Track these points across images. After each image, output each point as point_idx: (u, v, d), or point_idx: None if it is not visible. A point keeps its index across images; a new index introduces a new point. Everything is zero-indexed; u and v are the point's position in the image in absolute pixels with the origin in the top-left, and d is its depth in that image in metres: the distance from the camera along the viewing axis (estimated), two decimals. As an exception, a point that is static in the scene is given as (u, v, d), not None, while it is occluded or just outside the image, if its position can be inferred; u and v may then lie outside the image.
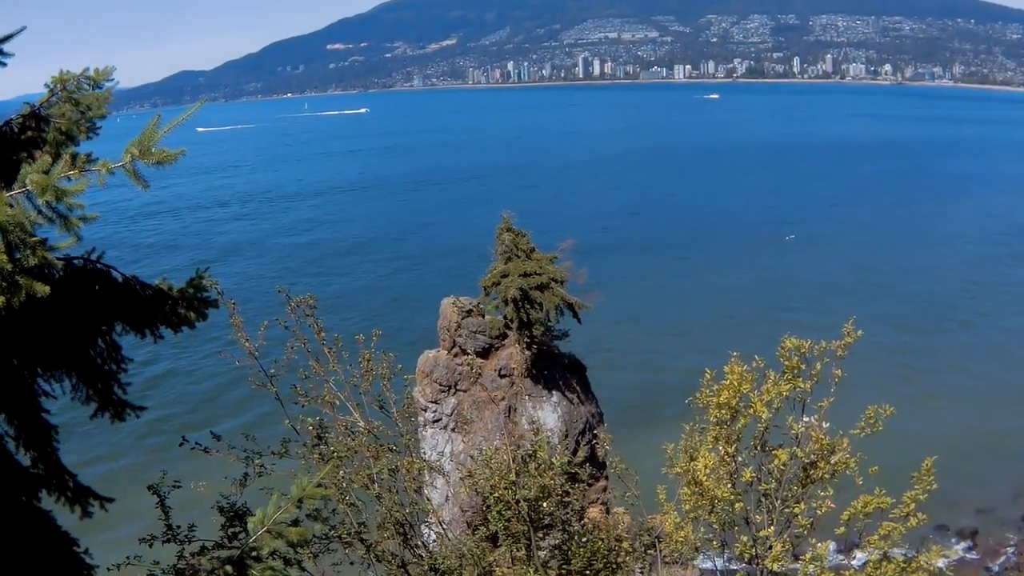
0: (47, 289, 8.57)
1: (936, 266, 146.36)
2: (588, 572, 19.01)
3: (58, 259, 9.17)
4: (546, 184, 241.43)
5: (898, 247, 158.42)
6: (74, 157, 9.06)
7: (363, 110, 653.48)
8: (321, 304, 20.99)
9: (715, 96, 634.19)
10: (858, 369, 78.47)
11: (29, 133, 10.22)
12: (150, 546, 14.64)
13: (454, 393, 56.84)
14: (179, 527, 14.99)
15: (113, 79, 10.58)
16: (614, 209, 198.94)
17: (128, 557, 14.05)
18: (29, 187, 8.41)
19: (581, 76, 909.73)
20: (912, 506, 23.46)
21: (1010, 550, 70.34)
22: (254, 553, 10.16)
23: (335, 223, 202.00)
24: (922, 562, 23.61)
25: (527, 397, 55.43)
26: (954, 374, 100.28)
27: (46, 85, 10.48)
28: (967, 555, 69.74)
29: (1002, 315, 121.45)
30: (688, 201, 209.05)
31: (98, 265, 10.16)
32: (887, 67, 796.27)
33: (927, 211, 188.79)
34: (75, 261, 9.99)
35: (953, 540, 69.34)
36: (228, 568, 10.05)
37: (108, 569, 12.93)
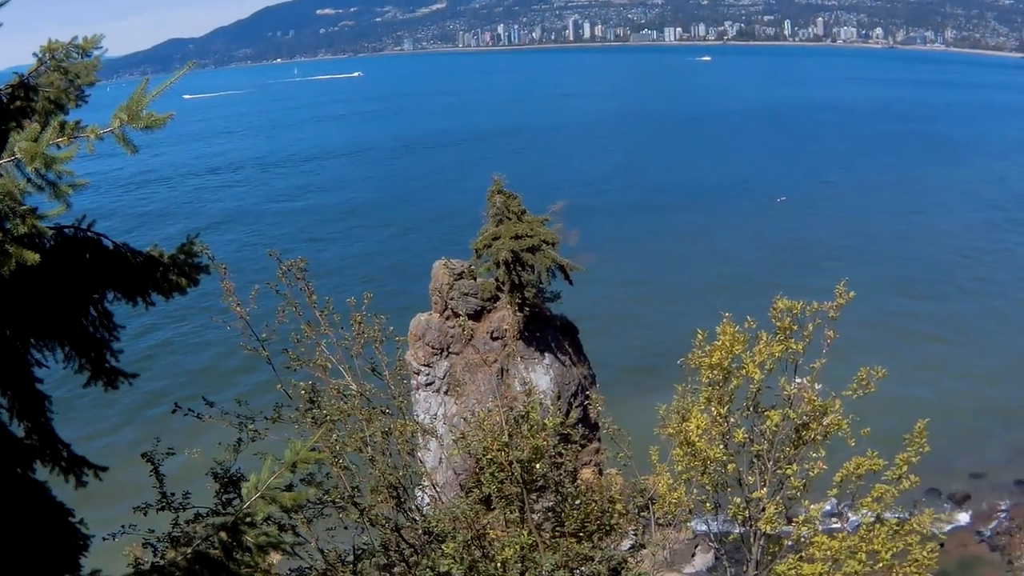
0: (37, 258, 8.53)
1: (933, 231, 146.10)
2: (582, 534, 19.07)
3: (48, 228, 9.12)
4: (538, 147, 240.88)
5: (895, 211, 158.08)
6: (63, 125, 9.00)
7: (357, 74, 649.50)
8: (315, 271, 20.96)
9: (707, 58, 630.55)
10: (854, 335, 78.85)
11: (18, 103, 10.15)
12: (144, 514, 14.68)
13: (446, 356, 56.97)
14: (173, 495, 15.05)
15: (102, 47, 10.51)
16: (606, 172, 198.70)
17: (123, 526, 14.09)
18: (18, 155, 8.35)
19: (571, 39, 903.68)
20: (904, 468, 23.56)
21: (1002, 515, 70.87)
22: (248, 519, 10.16)
23: (329, 189, 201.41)
24: (915, 525, 23.74)
25: (519, 359, 55.59)
26: (951, 340, 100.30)
27: (35, 55, 10.41)
28: (960, 516, 70.35)
29: (1001, 281, 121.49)
30: (681, 164, 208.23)
31: (89, 233, 10.11)
32: (878, 31, 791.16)
33: (923, 175, 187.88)
34: (66, 230, 9.94)
35: (946, 505, 69.82)
36: (222, 535, 10.04)
37: (104, 539, 12.94)
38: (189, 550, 10.01)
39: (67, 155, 8.59)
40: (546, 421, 18.83)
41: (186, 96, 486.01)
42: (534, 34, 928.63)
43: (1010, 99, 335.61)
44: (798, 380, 24.28)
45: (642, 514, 22.18)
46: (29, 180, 8.59)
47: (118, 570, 10.08)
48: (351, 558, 18.16)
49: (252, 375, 76.66)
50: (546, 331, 57.70)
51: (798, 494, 24.45)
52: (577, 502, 19.39)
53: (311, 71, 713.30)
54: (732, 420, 25.20)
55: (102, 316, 10.56)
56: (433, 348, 57.10)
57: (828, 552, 23.47)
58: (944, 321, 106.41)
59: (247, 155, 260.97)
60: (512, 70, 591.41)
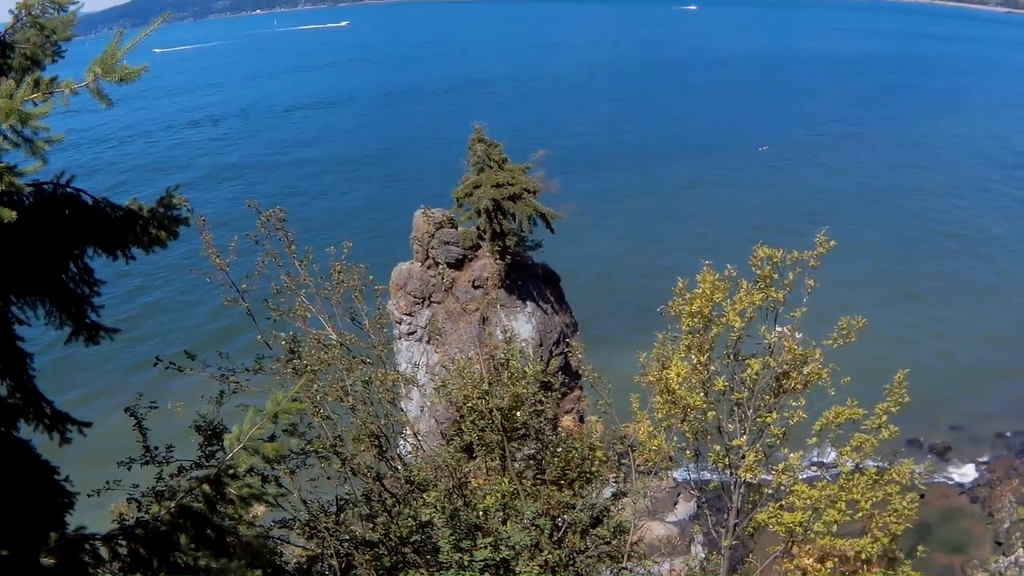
0: (14, 215, 8.52)
1: (929, 184, 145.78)
2: (562, 481, 19.16)
3: (26, 184, 9.09)
4: (523, 97, 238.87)
5: (890, 165, 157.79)
6: (37, 81, 8.96)
7: (344, 23, 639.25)
8: (301, 225, 20.92)
9: (693, 8, 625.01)
10: (844, 293, 79.17)
11: (-6, 61, 10.05)
12: (128, 469, 14.66)
13: (428, 305, 57.00)
14: (157, 449, 15.05)
15: (78, 2, 10.43)
16: (591, 122, 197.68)
17: (108, 482, 14.11)
18: (-6, 114, 8.31)
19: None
20: (884, 418, 23.75)
21: (983, 467, 71.87)
22: (231, 471, 10.18)
23: (314, 142, 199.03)
24: (894, 475, 23.99)
25: (501, 307, 55.66)
26: (942, 298, 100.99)
27: (10, 11, 10.31)
28: (942, 468, 71.31)
29: (998, 239, 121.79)
30: (668, 115, 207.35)
31: (67, 189, 10.05)
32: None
33: (914, 128, 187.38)
34: (44, 186, 9.89)
35: (928, 457, 70.66)
36: (205, 487, 10.07)
37: (88, 495, 12.95)
38: (173, 504, 10.03)
39: (42, 111, 8.60)
40: (526, 369, 18.85)
41: (157, 50, 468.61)
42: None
43: (997, 53, 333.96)
44: (779, 328, 24.38)
45: (623, 461, 22.28)
46: (5, 137, 8.64)
47: (103, 526, 10.09)
48: (334, 509, 18.26)
49: (244, 334, 76.51)
50: (528, 279, 57.72)
51: (778, 442, 24.65)
52: (558, 449, 19.47)
53: (291, 22, 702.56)
54: (712, 368, 25.32)
55: (82, 271, 10.52)
56: (415, 297, 57.09)
57: (808, 501, 23.70)
58: (936, 278, 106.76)
59: (230, 108, 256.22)
60: (497, 19, 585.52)
